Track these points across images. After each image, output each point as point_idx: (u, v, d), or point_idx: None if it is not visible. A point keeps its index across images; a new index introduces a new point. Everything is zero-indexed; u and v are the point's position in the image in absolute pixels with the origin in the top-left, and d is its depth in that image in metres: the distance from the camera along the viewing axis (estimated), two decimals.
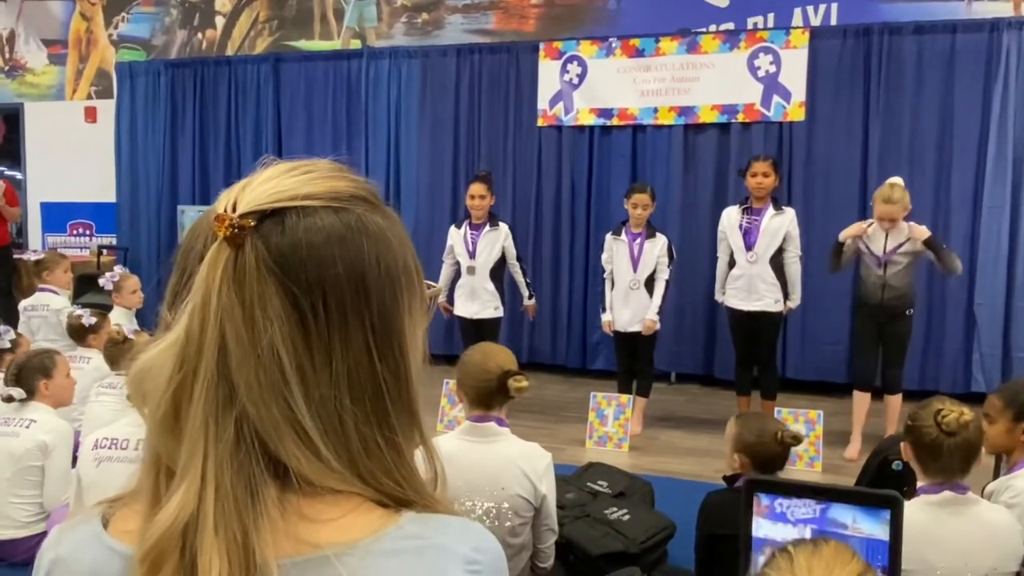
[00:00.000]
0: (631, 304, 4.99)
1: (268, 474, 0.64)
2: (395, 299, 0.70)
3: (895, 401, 4.61)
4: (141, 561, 0.61)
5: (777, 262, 4.76)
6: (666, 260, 4.98)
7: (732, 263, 4.88)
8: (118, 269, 5.30)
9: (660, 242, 4.98)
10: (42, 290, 5.23)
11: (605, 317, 5.15)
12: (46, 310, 5.11)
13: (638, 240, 4.99)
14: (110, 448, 2.73)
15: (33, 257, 5.35)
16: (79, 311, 4.42)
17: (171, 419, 0.64)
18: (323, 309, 0.66)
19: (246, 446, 0.63)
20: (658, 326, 4.98)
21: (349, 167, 0.73)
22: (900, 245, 4.47)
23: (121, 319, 4.79)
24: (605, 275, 5.16)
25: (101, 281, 5.13)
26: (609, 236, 5.13)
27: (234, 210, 0.65)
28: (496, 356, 2.54)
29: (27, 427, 3.20)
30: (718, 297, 5.06)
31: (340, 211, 0.68)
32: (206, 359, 0.63)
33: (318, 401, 0.65)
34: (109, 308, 4.99)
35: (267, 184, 0.68)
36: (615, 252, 5.05)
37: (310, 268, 0.65)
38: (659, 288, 4.97)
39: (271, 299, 0.64)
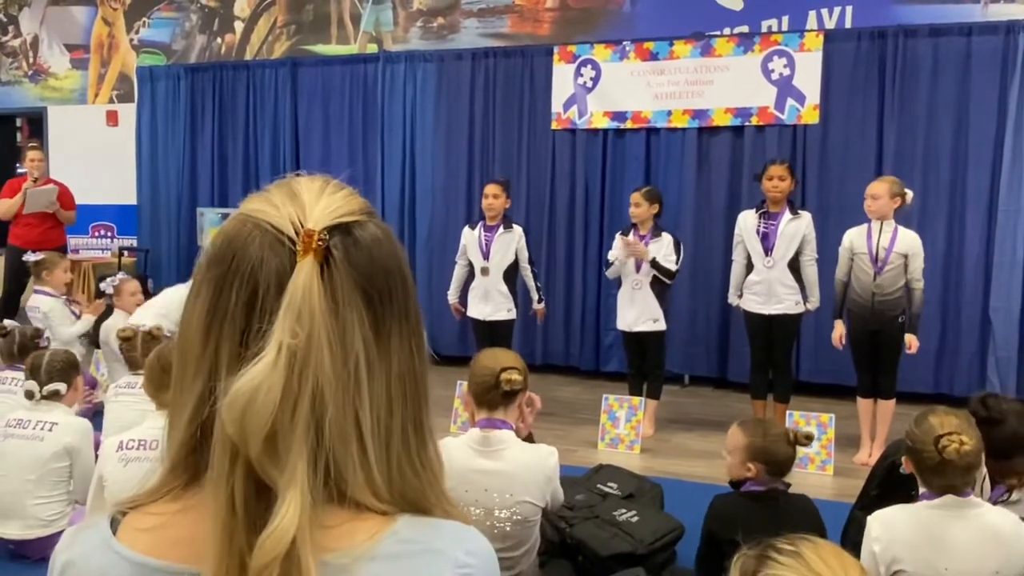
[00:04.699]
0: (636, 304, 5.03)
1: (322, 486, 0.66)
2: (416, 299, 0.75)
3: (887, 407, 4.61)
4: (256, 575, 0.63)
5: (794, 266, 4.77)
6: (673, 257, 4.99)
7: (749, 267, 4.88)
8: (120, 275, 5.47)
9: (664, 241, 5.01)
10: (37, 292, 5.38)
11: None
12: (37, 312, 5.25)
13: (644, 240, 5.02)
14: (138, 449, 2.79)
15: (32, 258, 5.48)
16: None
17: (274, 435, 0.63)
18: (390, 312, 0.71)
19: (322, 460, 0.66)
20: (648, 257, 4.92)
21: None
22: (893, 242, 4.47)
23: (120, 322, 4.95)
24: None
25: (102, 285, 5.29)
26: (619, 236, 5.17)
27: (303, 226, 0.68)
28: (499, 356, 2.61)
29: (50, 430, 3.25)
30: (732, 300, 5.05)
31: (376, 223, 0.73)
32: (312, 373, 0.64)
33: (376, 404, 0.69)
34: (110, 311, 5.24)
35: (324, 201, 0.71)
36: (622, 252, 5.09)
37: (379, 276, 0.71)
38: (667, 264, 4.95)
39: (357, 308, 0.68)
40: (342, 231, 0.70)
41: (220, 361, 0.68)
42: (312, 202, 0.71)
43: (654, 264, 4.93)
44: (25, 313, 6.04)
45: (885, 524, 2.15)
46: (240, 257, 0.69)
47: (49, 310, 5.22)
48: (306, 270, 0.66)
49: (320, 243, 0.67)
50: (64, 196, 6.91)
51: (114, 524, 0.73)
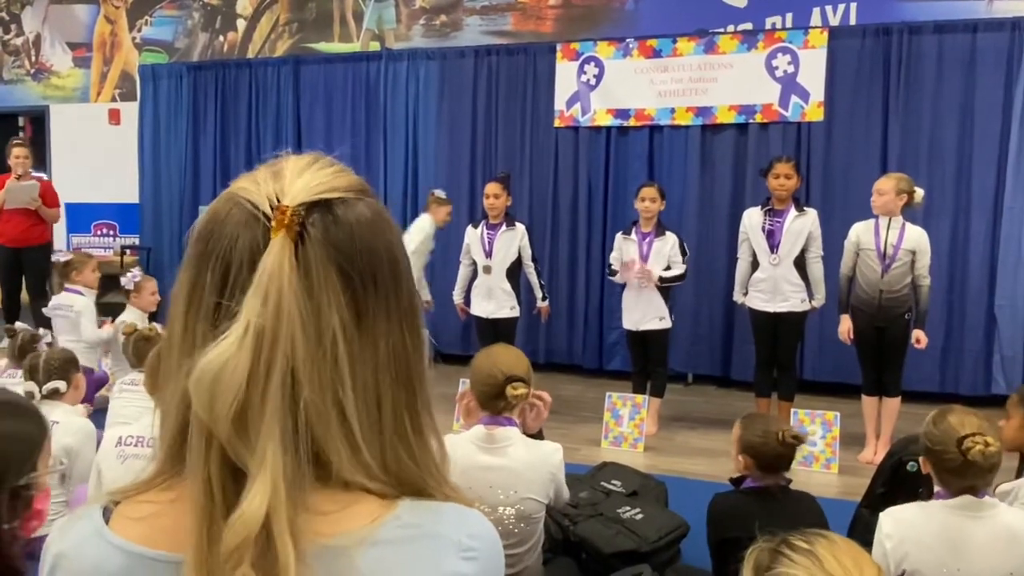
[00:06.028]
0: (641, 304, 5.01)
1: (308, 468, 0.65)
2: (410, 280, 0.74)
3: (893, 404, 4.58)
4: (226, 559, 0.61)
5: (800, 263, 4.75)
6: (679, 258, 4.99)
7: (755, 265, 4.86)
8: (136, 270, 5.45)
9: (670, 241, 4.99)
10: (67, 290, 5.36)
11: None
12: (70, 311, 5.24)
13: (647, 239, 5.01)
14: (136, 446, 2.78)
15: (62, 258, 5.48)
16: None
17: (242, 416, 0.62)
18: (373, 294, 0.69)
19: (303, 441, 0.64)
20: (653, 279, 4.92)
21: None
22: (901, 239, 4.44)
23: (135, 319, 4.93)
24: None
25: (123, 280, 5.27)
26: (619, 235, 5.17)
27: (279, 203, 0.66)
28: (501, 360, 2.55)
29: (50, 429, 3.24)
30: (737, 298, 5.04)
31: (366, 202, 0.71)
32: (282, 352, 0.62)
33: (362, 388, 0.67)
34: (122, 307, 5.20)
35: (305, 177, 0.69)
36: (624, 252, 5.08)
37: (362, 255, 0.68)
38: (674, 271, 4.97)
39: (333, 287, 0.66)
40: (321, 208, 0.68)
41: (198, 341, 0.66)
42: (293, 178, 0.69)
43: (663, 281, 4.93)
44: (39, 312, 6.05)
45: (898, 522, 2.12)
46: (218, 235, 0.68)
47: (82, 308, 5.21)
48: (278, 247, 0.64)
49: (294, 219, 0.65)
50: (47, 193, 6.79)
51: (106, 514, 0.71)
